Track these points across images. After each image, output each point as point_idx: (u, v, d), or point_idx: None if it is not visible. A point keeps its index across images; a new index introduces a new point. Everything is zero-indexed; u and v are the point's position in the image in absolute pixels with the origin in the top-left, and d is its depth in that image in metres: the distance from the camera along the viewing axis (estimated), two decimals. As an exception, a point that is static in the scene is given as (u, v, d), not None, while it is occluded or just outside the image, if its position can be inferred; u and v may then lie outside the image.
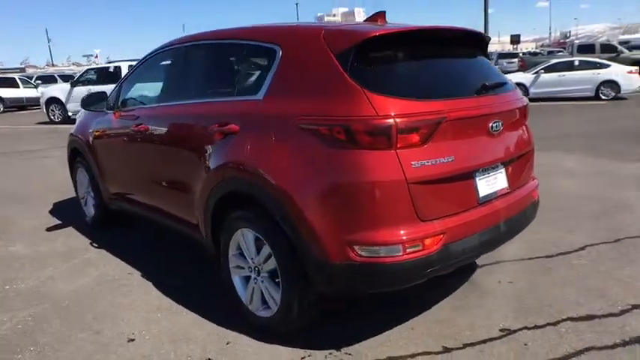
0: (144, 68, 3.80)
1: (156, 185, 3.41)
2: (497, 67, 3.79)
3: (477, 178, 2.42)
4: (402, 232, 2.14)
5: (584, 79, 14.75)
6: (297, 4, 69.31)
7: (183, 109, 3.07)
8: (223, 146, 2.65)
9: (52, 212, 5.26)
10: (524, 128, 2.82)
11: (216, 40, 3.05)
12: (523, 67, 20.63)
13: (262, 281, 2.60)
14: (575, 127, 10.02)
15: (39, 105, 16.77)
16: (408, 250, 2.14)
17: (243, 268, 2.73)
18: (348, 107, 2.15)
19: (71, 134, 4.68)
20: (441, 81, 2.50)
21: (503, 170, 2.59)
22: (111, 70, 14.79)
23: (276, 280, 2.49)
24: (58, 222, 4.84)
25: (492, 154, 2.49)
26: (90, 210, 4.62)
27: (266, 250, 2.49)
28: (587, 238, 3.77)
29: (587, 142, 7.91)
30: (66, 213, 5.13)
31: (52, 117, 15.46)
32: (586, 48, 19.65)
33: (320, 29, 2.43)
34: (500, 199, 2.54)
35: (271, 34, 2.63)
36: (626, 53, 18.66)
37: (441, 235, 2.22)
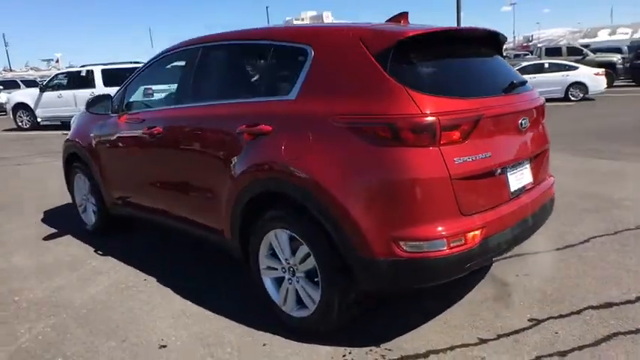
0: (153, 70, 3.74)
1: (171, 189, 3.36)
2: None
3: (509, 174, 2.50)
4: (446, 227, 2.19)
5: (554, 80, 15.30)
6: (267, 8, 69.59)
7: (204, 111, 3.03)
8: (254, 147, 2.64)
9: (44, 221, 5.08)
10: (543, 126, 2.92)
11: (242, 40, 3.04)
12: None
13: (298, 281, 2.60)
14: (552, 127, 10.21)
15: (4, 111, 16.16)
16: (452, 245, 2.19)
17: (275, 269, 2.72)
18: (391, 106, 2.19)
19: (68, 140, 4.55)
20: (473, 79, 2.57)
21: (528, 166, 2.68)
22: (83, 74, 14.40)
23: (315, 280, 2.50)
24: (53, 230, 4.69)
25: (520, 150, 2.58)
26: (90, 217, 4.50)
27: (303, 250, 2.50)
28: (590, 231, 3.93)
29: (566, 141, 8.20)
30: (58, 221, 4.97)
31: (20, 123, 14.91)
32: (553, 51, 20.41)
33: (354, 30, 2.47)
34: (526, 194, 2.63)
35: (302, 35, 2.64)
36: (591, 56, 19.46)
37: (481, 230, 2.28)
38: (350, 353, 2.46)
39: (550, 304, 2.83)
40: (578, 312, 2.74)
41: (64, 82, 14.75)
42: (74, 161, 4.52)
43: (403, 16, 2.83)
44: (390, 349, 2.48)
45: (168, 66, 3.60)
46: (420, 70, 2.37)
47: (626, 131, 9.00)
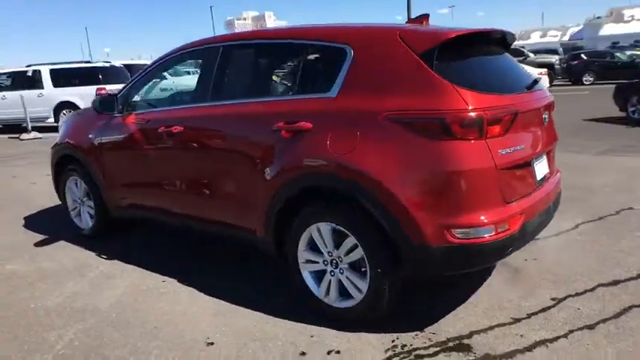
0: (164, 69, 3.69)
1: (192, 189, 3.34)
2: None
3: (534, 164, 2.72)
4: (493, 214, 2.36)
5: None
6: (211, 7, 68.46)
7: (234, 109, 3.04)
8: (293, 144, 2.70)
9: (27, 226, 4.86)
10: (552, 122, 3.17)
11: (275, 39, 3.07)
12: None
13: (342, 272, 2.69)
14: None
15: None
16: (498, 230, 2.37)
17: (315, 262, 2.79)
18: (441, 102, 2.33)
19: (58, 143, 4.38)
20: (502, 77, 2.76)
21: (545, 158, 2.91)
22: (29, 74, 13.65)
23: (362, 270, 2.60)
24: (42, 236, 4.49)
25: (542, 143, 2.80)
26: (86, 221, 4.36)
27: (350, 241, 2.59)
28: (577, 218, 4.26)
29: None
30: (44, 226, 4.76)
31: (-41, 128, 13.93)
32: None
33: (393, 30, 2.59)
34: (546, 184, 2.86)
35: (340, 35, 2.73)
36: (532, 57, 20.64)
37: (520, 216, 2.47)
38: (398, 339, 2.58)
39: (564, 285, 3.07)
40: (592, 290, 3.00)
41: (9, 82, 13.93)
42: (66, 164, 4.36)
43: (425, 17, 2.99)
44: (434, 333, 2.62)
45: (191, 64, 3.56)
46: (461, 68, 2.53)
47: (580, 127, 9.66)
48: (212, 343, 2.64)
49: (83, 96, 13.54)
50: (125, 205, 3.93)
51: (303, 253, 2.83)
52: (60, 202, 4.72)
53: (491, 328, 2.64)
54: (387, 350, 2.49)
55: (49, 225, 4.80)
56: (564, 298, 2.91)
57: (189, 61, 3.63)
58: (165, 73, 3.85)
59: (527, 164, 2.62)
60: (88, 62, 14.94)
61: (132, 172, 3.77)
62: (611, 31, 48.18)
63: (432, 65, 2.41)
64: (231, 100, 3.12)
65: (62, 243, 4.31)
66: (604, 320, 2.65)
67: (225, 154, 3.08)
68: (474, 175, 2.33)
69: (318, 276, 2.81)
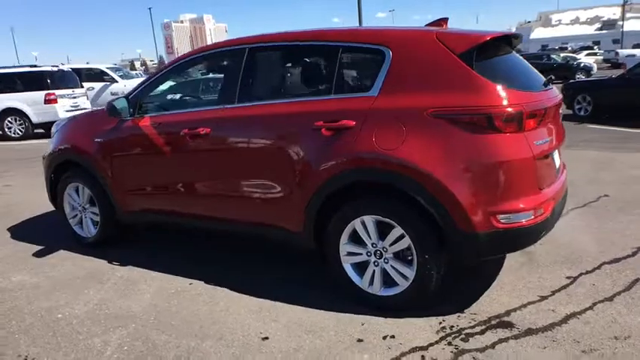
0: (179, 72, 3.68)
1: (221, 190, 3.35)
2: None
3: (553, 156, 2.98)
4: (531, 200, 2.59)
5: None
6: (150, 9, 66.44)
7: (268, 109, 3.10)
8: (335, 142, 2.81)
9: (17, 238, 4.63)
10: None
11: (311, 41, 3.15)
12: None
13: (386, 262, 2.83)
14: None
15: None
16: (536, 215, 2.60)
17: (358, 254, 2.91)
18: (484, 99, 2.53)
19: (55, 150, 4.24)
20: (525, 75, 3.01)
21: (557, 151, 3.19)
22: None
23: (409, 258, 2.75)
24: (38, 247, 4.31)
25: (557, 136, 3.07)
26: (89, 228, 4.23)
27: (396, 232, 2.73)
28: (567, 205, 4.62)
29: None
30: (35, 236, 4.57)
31: None
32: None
33: (430, 33, 2.77)
34: (560, 174, 3.14)
35: (379, 37, 2.87)
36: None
37: (552, 201, 2.72)
38: (444, 320, 2.75)
39: (573, 264, 3.37)
40: (599, 267, 3.31)
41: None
42: (64, 171, 4.23)
43: (444, 20, 3.20)
44: (475, 313, 2.82)
45: (215, 65, 3.57)
46: (494, 68, 2.74)
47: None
48: (267, 338, 2.70)
49: (30, 102, 12.90)
50: (137, 209, 3.86)
51: (344, 247, 2.94)
52: (40, 212, 4.55)
53: (524, 305, 2.88)
54: (437, 332, 2.66)
55: (42, 235, 4.62)
56: (578, 276, 3.20)
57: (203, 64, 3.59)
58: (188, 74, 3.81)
59: (551, 155, 2.87)
60: (34, 66, 14.19)
61: (147, 175, 3.72)
62: (540, 35, 51.80)
63: (472, 65, 2.60)
64: (266, 100, 3.18)
65: (63, 253, 4.16)
66: (618, 293, 2.95)
67: (260, 154, 3.14)
68: (516, 165, 2.54)
69: (360, 267, 2.94)
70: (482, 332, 2.63)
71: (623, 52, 33.21)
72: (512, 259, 3.51)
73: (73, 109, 12.77)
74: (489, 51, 2.76)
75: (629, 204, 4.59)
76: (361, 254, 2.91)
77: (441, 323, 2.74)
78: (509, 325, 2.67)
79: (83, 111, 10.09)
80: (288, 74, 3.31)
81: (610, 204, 4.63)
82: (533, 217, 2.59)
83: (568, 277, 3.19)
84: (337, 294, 3.07)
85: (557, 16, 52.72)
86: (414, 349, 2.51)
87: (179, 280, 3.50)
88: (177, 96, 3.92)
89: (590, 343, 2.47)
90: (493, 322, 2.71)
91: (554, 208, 2.74)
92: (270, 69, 3.30)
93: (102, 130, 3.89)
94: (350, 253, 2.95)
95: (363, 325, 2.77)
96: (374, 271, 2.88)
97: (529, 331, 2.60)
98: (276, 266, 3.65)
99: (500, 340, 2.54)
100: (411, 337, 2.62)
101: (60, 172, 4.27)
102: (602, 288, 3.03)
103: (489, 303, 2.92)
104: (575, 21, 51.17)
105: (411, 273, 2.76)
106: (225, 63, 3.51)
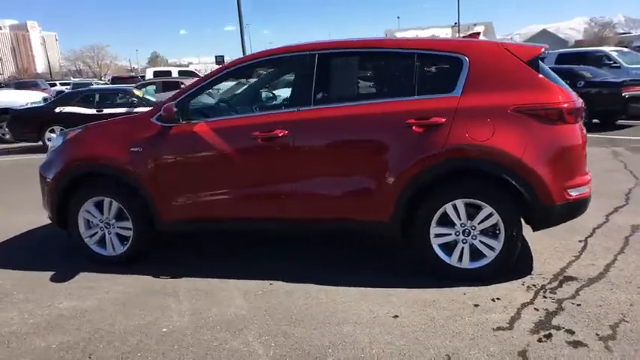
0: (236, 76, 3.70)
1: (305, 190, 3.47)
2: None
3: None
4: (586, 176, 3.29)
5: None
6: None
7: (355, 110, 3.35)
8: (428, 137, 3.21)
9: (18, 266, 4.07)
10: None
11: (395, 48, 3.47)
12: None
13: (474, 238, 3.29)
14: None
15: None
16: (589, 187, 3.31)
17: (447, 234, 3.33)
18: (555, 97, 3.17)
19: (69, 161, 3.88)
20: (559, 78, 3.71)
21: None
22: None
23: (496, 232, 3.26)
24: (48, 272, 3.88)
25: None
26: (115, 245, 3.94)
27: (485, 211, 3.22)
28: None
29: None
30: (39, 260, 4.11)
31: None
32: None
33: (498, 44, 3.34)
34: None
35: (456, 47, 3.33)
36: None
37: (591, 179, 3.45)
38: (524, 282, 3.30)
39: (575, 232, 4.14)
40: (591, 235, 4.15)
41: None
42: (79, 186, 3.90)
43: (477, 34, 3.82)
44: (540, 274, 3.42)
45: (284, 69, 3.65)
46: (546, 72, 3.39)
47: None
48: (397, 316, 2.97)
49: None
50: (187, 218, 3.76)
51: (433, 229, 3.34)
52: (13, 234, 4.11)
53: (570, 264, 3.57)
54: (527, 290, 3.20)
55: (51, 256, 4.17)
56: (586, 240, 4.02)
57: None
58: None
59: None
60: None
61: (207, 182, 3.65)
62: (385, 51, 58.28)
63: (538, 70, 3.23)
64: (349, 102, 3.43)
65: (89, 275, 3.82)
66: (624, 246, 3.83)
67: (350, 152, 3.38)
68: (577, 149, 3.22)
69: (448, 246, 3.36)
70: (559, 286, 3.24)
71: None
72: (530, 233, 4.20)
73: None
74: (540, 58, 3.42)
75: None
76: (449, 234, 3.34)
77: (523, 284, 3.29)
78: (573, 279, 3.33)
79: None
80: (371, 77, 3.61)
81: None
82: (587, 190, 3.29)
83: (580, 241, 4.00)
84: (418, 275, 3.45)
85: (401, 34, 59.02)
86: (524, 305, 3.01)
87: (255, 282, 3.52)
88: (232, 100, 3.89)
89: (637, 282, 3.23)
90: (560, 278, 3.35)
91: (590, 185, 3.49)
92: (349, 73, 3.56)
93: (141, 138, 3.71)
94: (438, 235, 3.35)
95: (465, 294, 3.19)
96: (462, 248, 3.33)
97: (591, 280, 3.29)
98: (352, 257, 3.88)
99: (578, 290, 3.17)
100: (512, 297, 3.12)
101: (73, 187, 3.92)
102: (609, 245, 3.88)
103: (543, 266, 3.56)
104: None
105: (498, 245, 3.27)
106: (291, 67, 3.64)
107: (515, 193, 3.17)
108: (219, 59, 44.59)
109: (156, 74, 19.06)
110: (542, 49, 3.32)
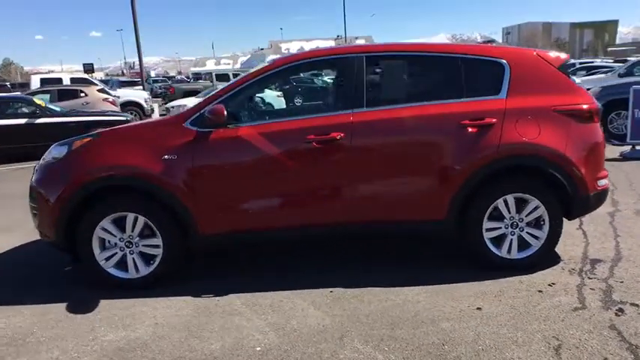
0: (277, 80, 3.54)
1: (362, 193, 3.44)
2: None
3: None
4: (605, 169, 3.72)
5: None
6: None
7: (411, 111, 3.41)
8: (482, 136, 3.39)
9: (19, 300, 3.45)
10: None
11: (445, 53, 3.57)
12: (172, 93, 22.23)
13: (521, 230, 3.54)
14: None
15: None
16: (608, 179, 3.74)
17: (497, 228, 3.53)
18: (585, 99, 3.55)
19: (83, 175, 3.41)
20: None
21: None
22: None
23: (541, 223, 3.53)
24: (61, 304, 3.36)
25: None
26: (139, 265, 3.52)
27: (532, 204, 3.48)
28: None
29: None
30: (40, 290, 3.52)
31: None
32: (222, 76, 23.27)
33: (531, 51, 3.66)
34: None
35: (497, 52, 3.56)
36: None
37: None
38: (564, 268, 3.62)
39: (569, 222, 4.65)
40: (582, 223, 4.68)
41: None
42: (93, 203, 3.44)
43: (492, 41, 4.17)
44: (570, 258, 3.78)
45: (334, 72, 3.55)
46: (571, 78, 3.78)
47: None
48: (479, 308, 3.08)
49: None
50: (232, 230, 3.50)
51: (485, 224, 3.52)
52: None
53: (586, 248, 3.99)
54: (571, 273, 3.52)
55: (42, 288, 3.57)
56: (581, 227, 4.52)
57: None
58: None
59: None
60: None
61: (255, 189, 3.43)
62: (274, 62, 59.21)
63: (567, 75, 3.60)
64: (403, 104, 3.49)
65: (112, 302, 3.37)
66: (615, 230, 4.37)
67: (406, 153, 3.43)
68: (602, 144, 3.64)
69: (497, 239, 3.56)
70: (593, 268, 3.61)
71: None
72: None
73: None
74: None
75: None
76: (499, 228, 3.54)
77: (563, 269, 3.61)
78: (599, 261, 3.72)
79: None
80: (420, 80, 3.67)
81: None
82: (607, 181, 3.72)
83: (577, 229, 4.46)
84: (462, 268, 3.63)
85: (286, 45, 60.43)
86: (579, 286, 3.31)
87: (313, 291, 3.40)
88: (275, 103, 3.68)
89: (653, 259, 3.73)
90: (588, 261, 3.73)
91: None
92: (398, 75, 3.60)
93: (174, 145, 3.39)
94: (489, 229, 3.54)
95: (522, 282, 3.41)
96: (511, 240, 3.55)
97: (615, 261, 3.71)
98: (376, 258, 3.89)
99: (611, 268, 3.57)
100: (564, 281, 3.41)
101: (85, 204, 3.44)
102: (603, 230, 4.40)
103: (568, 252, 3.91)
104: (301, 50, 59.69)
105: (542, 235, 3.55)
106: (341, 69, 3.57)
107: (559, 185, 3.48)
108: (88, 67, 41.21)
109: (43, 82, 17.08)
110: (568, 57, 3.70)
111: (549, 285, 3.35)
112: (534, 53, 3.64)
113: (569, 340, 2.68)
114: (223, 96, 3.49)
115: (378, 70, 3.56)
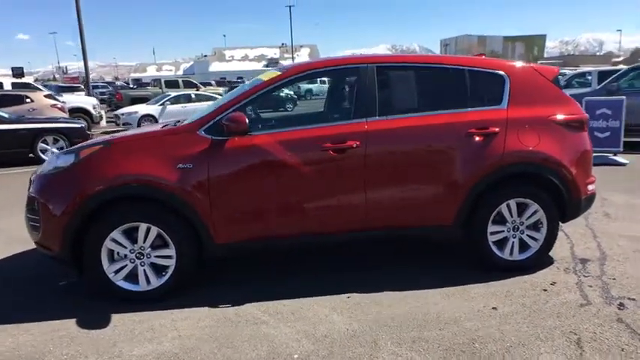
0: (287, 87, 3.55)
1: (378, 199, 3.52)
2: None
3: None
4: (592, 175, 4.02)
5: (203, 108, 17.39)
6: None
7: (422, 120, 3.54)
8: (487, 144, 3.58)
9: (25, 316, 3.24)
10: None
11: (452, 65, 3.72)
12: (120, 100, 21.42)
13: (522, 232, 3.76)
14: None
15: None
16: (595, 184, 4.05)
17: (499, 232, 3.73)
18: (576, 109, 3.83)
19: (98, 182, 3.27)
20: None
21: None
22: None
23: (539, 225, 3.76)
24: (72, 319, 3.21)
25: None
26: (151, 278, 3.42)
27: (532, 208, 3.71)
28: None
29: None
30: (43, 305, 3.33)
31: None
32: (172, 83, 22.68)
33: (528, 65, 3.90)
34: None
35: (498, 65, 3.77)
36: (203, 88, 22.66)
37: None
38: (559, 268, 3.86)
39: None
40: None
41: None
42: (103, 213, 3.32)
43: (482, 54, 4.36)
44: (562, 258, 4.04)
45: (340, 82, 3.60)
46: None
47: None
48: (495, 308, 3.24)
49: None
50: (248, 238, 3.47)
51: (489, 228, 3.71)
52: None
53: (572, 249, 4.28)
54: (566, 272, 3.77)
55: (44, 303, 3.38)
56: (561, 229, 4.83)
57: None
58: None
59: None
60: None
61: (272, 197, 3.43)
62: (217, 68, 57.46)
63: (560, 87, 3.87)
64: (413, 113, 3.61)
65: (125, 316, 3.26)
66: (593, 231, 4.71)
67: (418, 161, 3.55)
68: (590, 152, 3.93)
69: (500, 242, 3.76)
70: (584, 267, 3.89)
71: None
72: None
73: None
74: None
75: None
76: (502, 231, 3.75)
77: (559, 269, 3.86)
78: (587, 260, 4.01)
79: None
80: (430, 89, 3.79)
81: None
82: (594, 187, 4.02)
83: (560, 230, 4.78)
84: (472, 269, 3.80)
85: (230, 52, 59.73)
86: (578, 284, 3.56)
87: (331, 297, 3.44)
88: (290, 111, 3.67)
89: (633, 257, 4.05)
90: (579, 259, 4.02)
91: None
92: (408, 85, 3.72)
93: (189, 154, 3.34)
94: (493, 233, 3.73)
95: (526, 282, 3.62)
96: (512, 242, 3.76)
97: (601, 260, 4.01)
98: (384, 264, 3.99)
99: (601, 266, 3.86)
100: (563, 280, 3.65)
101: (91, 216, 3.31)
102: (582, 231, 4.74)
103: (558, 252, 4.16)
104: (245, 58, 59.72)
105: (540, 237, 3.78)
106: (348, 79, 3.65)
107: (556, 190, 3.72)
108: (17, 71, 38.80)
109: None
110: (559, 69, 3.97)
111: (551, 284, 3.58)
112: (531, 67, 3.90)
113: (585, 334, 2.88)
114: (239, 103, 3.48)
115: (390, 80, 3.68)
